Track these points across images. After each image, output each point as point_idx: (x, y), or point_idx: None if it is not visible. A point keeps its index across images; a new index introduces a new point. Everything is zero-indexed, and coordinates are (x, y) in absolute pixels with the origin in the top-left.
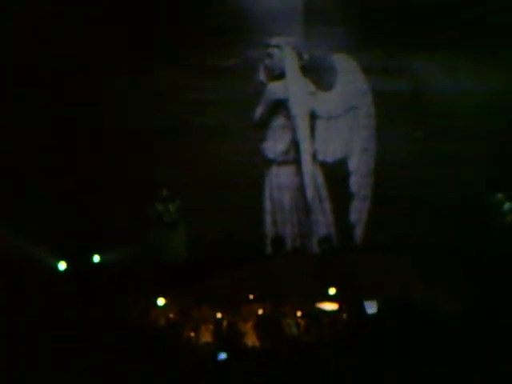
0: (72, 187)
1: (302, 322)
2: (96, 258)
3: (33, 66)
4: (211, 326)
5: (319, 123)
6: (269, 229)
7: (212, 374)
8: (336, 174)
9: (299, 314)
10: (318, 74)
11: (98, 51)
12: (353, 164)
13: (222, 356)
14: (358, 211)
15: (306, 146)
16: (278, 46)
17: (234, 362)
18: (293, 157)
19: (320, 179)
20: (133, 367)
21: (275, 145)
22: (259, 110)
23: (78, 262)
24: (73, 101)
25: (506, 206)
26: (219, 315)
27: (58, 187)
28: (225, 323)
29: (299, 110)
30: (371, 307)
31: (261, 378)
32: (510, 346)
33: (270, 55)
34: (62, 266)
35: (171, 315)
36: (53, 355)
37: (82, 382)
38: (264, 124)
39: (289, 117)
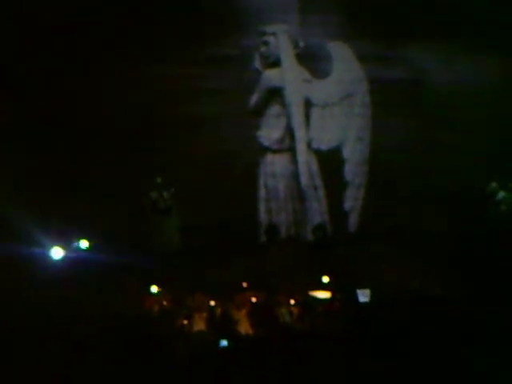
0: (67, 175)
1: (295, 311)
2: (83, 244)
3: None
4: (205, 314)
5: (314, 111)
6: (263, 217)
7: (206, 361)
8: (331, 161)
9: (293, 302)
10: (313, 61)
11: (97, 42)
12: (348, 152)
13: (224, 343)
14: (353, 199)
15: (300, 134)
16: (273, 34)
17: (230, 349)
18: (288, 145)
19: (315, 167)
20: (127, 354)
21: (270, 133)
22: (254, 98)
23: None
24: (71, 88)
25: (501, 194)
26: (213, 303)
27: (52, 174)
28: (218, 311)
29: (294, 98)
30: (364, 296)
31: (255, 366)
32: (506, 332)
33: (266, 43)
34: (58, 253)
35: (165, 303)
36: (46, 341)
37: (74, 368)
38: (259, 112)
39: (284, 104)
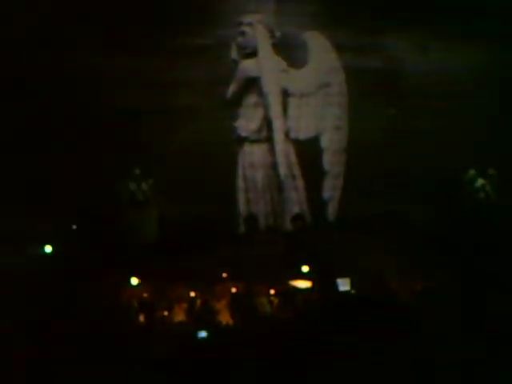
0: (45, 167)
1: (275, 301)
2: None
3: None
4: (185, 305)
5: (291, 101)
6: (242, 207)
7: (187, 352)
8: (309, 151)
9: (272, 292)
10: (290, 51)
11: (74, 34)
12: (325, 141)
13: (202, 334)
14: (331, 189)
15: (278, 124)
16: (250, 24)
17: (210, 340)
18: (265, 135)
19: (293, 157)
20: (107, 347)
21: (248, 123)
22: (231, 88)
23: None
24: (46, 82)
25: (479, 182)
26: (193, 294)
27: (31, 168)
28: (198, 302)
29: (271, 88)
30: (344, 285)
31: (236, 357)
32: (484, 320)
33: (242, 33)
34: (48, 248)
35: (144, 295)
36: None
37: (58, 362)
38: (236, 102)
39: (261, 95)
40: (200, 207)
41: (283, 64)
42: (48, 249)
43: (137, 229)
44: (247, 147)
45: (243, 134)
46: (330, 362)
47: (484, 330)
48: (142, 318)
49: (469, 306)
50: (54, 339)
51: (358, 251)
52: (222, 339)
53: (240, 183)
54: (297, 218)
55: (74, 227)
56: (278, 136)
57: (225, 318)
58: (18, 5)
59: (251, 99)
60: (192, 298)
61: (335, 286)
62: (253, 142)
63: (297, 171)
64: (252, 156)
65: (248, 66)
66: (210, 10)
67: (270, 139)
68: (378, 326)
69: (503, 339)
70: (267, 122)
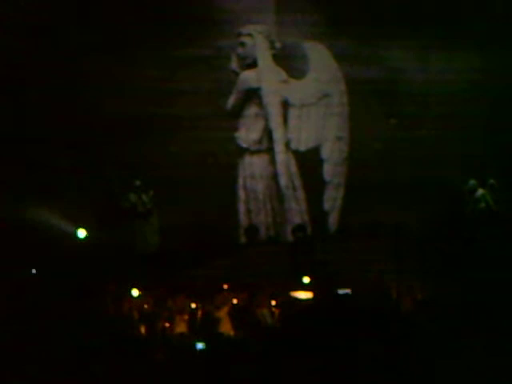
0: (45, 177)
1: (276, 312)
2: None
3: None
4: (186, 316)
5: (292, 111)
6: (243, 218)
7: (188, 363)
8: (309, 162)
9: (274, 303)
10: (290, 62)
11: (75, 45)
12: (326, 152)
13: (200, 346)
14: (332, 199)
15: (278, 135)
16: (250, 35)
17: (210, 351)
18: (266, 145)
19: (293, 168)
20: (108, 358)
21: (248, 134)
22: (232, 99)
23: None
24: (46, 91)
25: (479, 192)
26: (194, 305)
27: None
28: (199, 313)
29: (272, 99)
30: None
31: (236, 367)
32: (487, 327)
33: (242, 44)
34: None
35: (146, 306)
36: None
37: (56, 370)
38: (237, 113)
39: (261, 105)
40: (201, 218)
41: (283, 75)
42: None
43: (137, 240)
44: (248, 158)
45: (244, 145)
46: (328, 370)
47: (484, 336)
48: (142, 329)
49: (469, 314)
50: (54, 350)
51: (358, 261)
52: (222, 350)
53: (241, 194)
54: (298, 228)
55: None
56: (279, 147)
57: (226, 328)
58: (17, 11)
59: (251, 110)
60: (193, 309)
61: (336, 296)
62: (253, 152)
63: (297, 182)
64: (252, 167)
65: (248, 77)
66: (211, 20)
67: (270, 150)
68: (377, 335)
69: (503, 346)
70: (268, 133)
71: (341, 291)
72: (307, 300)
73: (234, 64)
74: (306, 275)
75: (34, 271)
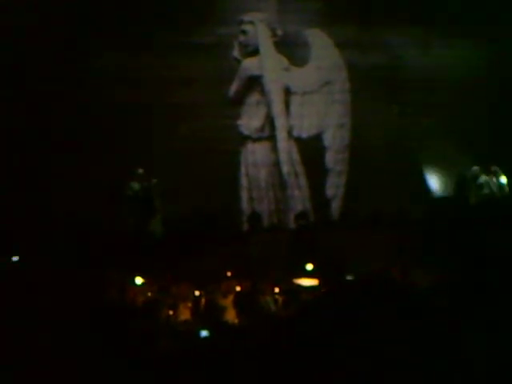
0: (48, 166)
1: (279, 299)
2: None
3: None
4: (189, 304)
5: (294, 99)
6: (245, 205)
7: (192, 351)
8: (311, 149)
9: (277, 290)
10: (291, 49)
11: (74, 33)
12: (328, 139)
13: (204, 334)
14: (334, 186)
15: (281, 122)
16: (251, 23)
17: (215, 339)
18: (268, 133)
19: (295, 155)
20: (111, 347)
21: (250, 121)
22: (234, 87)
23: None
24: (46, 79)
25: (482, 178)
26: (197, 293)
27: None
28: (203, 300)
29: (274, 86)
30: None
31: (241, 356)
32: (488, 320)
33: (244, 32)
34: None
35: (149, 294)
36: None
37: (57, 363)
38: (239, 101)
39: (263, 93)
40: (204, 206)
41: (285, 62)
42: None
43: (140, 228)
44: (250, 145)
45: (246, 133)
46: (334, 360)
47: (487, 324)
48: (146, 316)
49: (473, 302)
50: (56, 340)
51: (361, 249)
52: (225, 338)
53: (243, 181)
54: (300, 215)
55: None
56: (281, 134)
57: (231, 315)
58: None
59: (253, 98)
60: (197, 296)
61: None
62: (255, 140)
63: (300, 169)
64: (255, 154)
65: (250, 65)
66: (212, 8)
67: (272, 137)
68: (385, 319)
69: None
70: (270, 121)
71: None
72: (313, 287)
73: (235, 52)
74: (308, 262)
75: (15, 259)
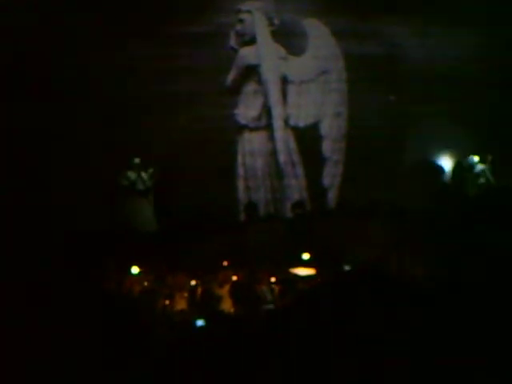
0: (45, 156)
1: (276, 288)
2: None
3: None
4: (186, 293)
5: (291, 88)
6: (242, 195)
7: (188, 341)
8: (308, 138)
9: (273, 279)
10: (288, 38)
11: (72, 22)
12: (325, 128)
13: (200, 323)
14: (331, 176)
15: (277, 111)
16: (248, 12)
17: (211, 329)
18: (265, 122)
19: (292, 144)
20: (108, 337)
21: (247, 110)
22: (231, 76)
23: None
24: (45, 70)
25: (479, 167)
26: (193, 282)
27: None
28: (199, 290)
29: (271, 75)
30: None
31: (237, 346)
32: (483, 311)
33: (241, 21)
34: None
35: (145, 283)
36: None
37: (54, 353)
38: (236, 90)
39: (260, 82)
40: (200, 195)
41: (282, 51)
42: None
43: (137, 218)
44: (247, 135)
45: (243, 122)
46: (330, 350)
47: (485, 317)
48: (143, 306)
49: (471, 294)
50: (54, 328)
51: (358, 238)
52: (221, 328)
53: (240, 171)
54: (297, 205)
55: None
56: (278, 123)
57: (227, 305)
58: None
59: (250, 87)
60: (193, 286)
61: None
62: (252, 129)
63: (296, 158)
64: (252, 143)
65: (247, 54)
66: None
67: (269, 127)
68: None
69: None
70: (267, 110)
71: (346, 267)
72: (310, 277)
73: (232, 41)
74: (305, 252)
75: None
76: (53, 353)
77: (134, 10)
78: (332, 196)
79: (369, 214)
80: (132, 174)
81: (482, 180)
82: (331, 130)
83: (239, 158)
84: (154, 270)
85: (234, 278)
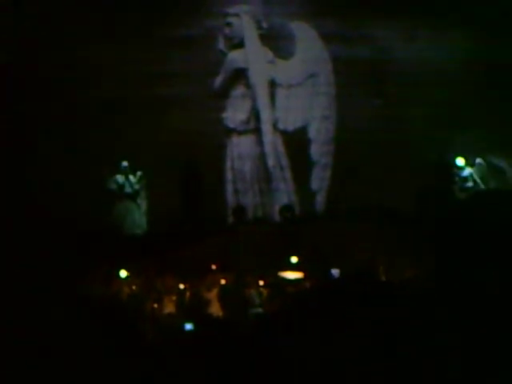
0: (33, 161)
1: (264, 292)
2: None
3: None
4: (174, 297)
5: (279, 91)
6: (230, 198)
7: (177, 345)
8: (297, 142)
9: (262, 283)
10: (277, 42)
11: (61, 25)
12: (313, 132)
13: (188, 327)
14: (320, 179)
15: (266, 115)
16: (236, 15)
17: (199, 332)
18: (253, 126)
19: (281, 148)
20: (95, 341)
21: (235, 114)
22: (219, 80)
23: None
24: (33, 73)
25: (467, 171)
26: (182, 286)
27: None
28: (188, 294)
29: (259, 79)
30: (335, 275)
31: (225, 349)
32: (474, 312)
33: (229, 24)
34: None
35: (134, 287)
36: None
37: (42, 355)
38: (224, 93)
39: (249, 86)
40: (188, 199)
41: (270, 55)
42: None
43: (125, 221)
44: (235, 138)
45: (231, 125)
46: (319, 354)
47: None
48: (131, 310)
49: (460, 295)
50: (43, 332)
51: (346, 241)
52: (210, 331)
53: (228, 174)
54: (285, 208)
55: None
56: (266, 127)
57: (215, 308)
58: None
59: (239, 90)
60: (181, 289)
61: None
62: (241, 133)
63: (285, 162)
64: (240, 147)
65: (235, 57)
66: (197, 0)
67: (257, 130)
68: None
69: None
70: (255, 113)
71: (333, 271)
72: (298, 280)
73: (221, 44)
74: (293, 255)
75: None
76: (40, 354)
77: (122, 14)
78: (320, 199)
79: (357, 218)
80: (120, 178)
81: (469, 183)
82: (319, 133)
83: (228, 162)
84: (143, 273)
85: (223, 281)
